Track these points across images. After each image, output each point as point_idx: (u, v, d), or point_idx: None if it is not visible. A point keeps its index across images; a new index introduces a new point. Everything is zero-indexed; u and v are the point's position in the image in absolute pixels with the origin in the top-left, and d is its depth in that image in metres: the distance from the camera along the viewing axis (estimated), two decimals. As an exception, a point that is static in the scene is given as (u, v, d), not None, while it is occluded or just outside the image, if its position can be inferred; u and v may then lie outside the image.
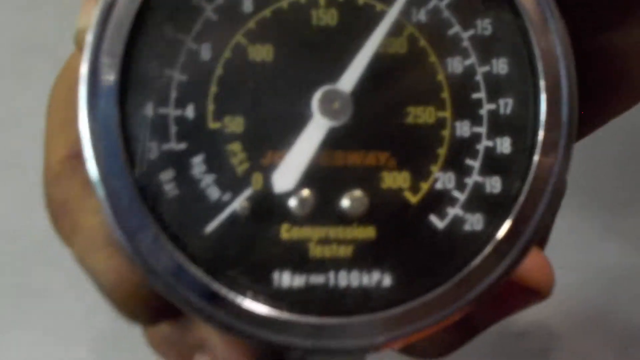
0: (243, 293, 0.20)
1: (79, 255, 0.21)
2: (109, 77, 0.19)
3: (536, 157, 0.21)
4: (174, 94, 0.20)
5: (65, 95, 0.22)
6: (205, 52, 0.20)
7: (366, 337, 0.20)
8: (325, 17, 0.21)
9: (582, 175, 0.42)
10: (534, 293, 0.22)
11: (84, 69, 0.19)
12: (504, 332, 0.38)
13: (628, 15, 0.23)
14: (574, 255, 0.40)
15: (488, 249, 0.21)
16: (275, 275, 0.20)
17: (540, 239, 0.21)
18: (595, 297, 0.40)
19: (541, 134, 0.21)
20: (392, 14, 0.21)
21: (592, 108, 0.24)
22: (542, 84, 0.21)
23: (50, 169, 0.22)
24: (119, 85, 0.20)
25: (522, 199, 0.21)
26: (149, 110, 0.20)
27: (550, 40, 0.21)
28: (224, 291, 0.20)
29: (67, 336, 0.40)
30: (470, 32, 0.21)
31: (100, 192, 0.19)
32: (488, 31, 0.21)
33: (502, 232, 0.21)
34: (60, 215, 0.22)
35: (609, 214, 0.43)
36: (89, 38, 0.19)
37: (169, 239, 0.20)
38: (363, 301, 0.20)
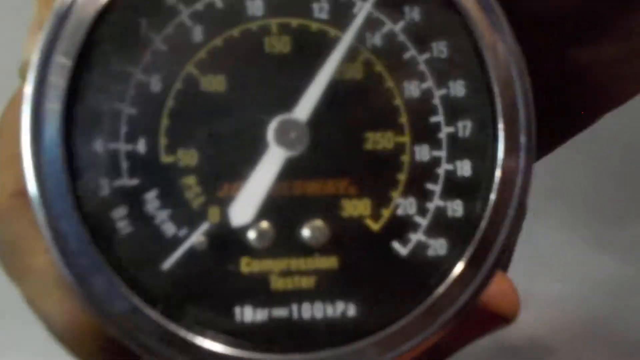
0: (204, 333, 0.19)
1: (28, 297, 0.21)
2: (54, 111, 0.19)
3: (497, 180, 0.20)
4: (124, 128, 0.19)
5: (12, 129, 0.21)
6: (156, 84, 0.20)
7: None
8: (279, 44, 0.20)
9: (577, 188, 0.43)
10: (499, 318, 0.21)
11: (26, 109, 0.19)
12: (500, 346, 0.38)
13: (597, 32, 0.23)
14: (569, 268, 0.41)
15: (453, 275, 0.20)
16: (237, 311, 0.20)
17: (504, 262, 0.21)
18: (591, 310, 0.41)
19: (500, 156, 0.20)
20: (346, 40, 0.20)
21: (553, 126, 0.24)
22: (498, 106, 0.20)
23: None
24: (64, 120, 0.19)
25: (484, 222, 0.20)
26: (98, 145, 0.19)
27: (505, 62, 0.21)
28: (183, 332, 0.19)
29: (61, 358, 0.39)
30: (426, 55, 0.21)
31: (47, 234, 0.19)
32: (444, 54, 0.21)
33: (466, 257, 0.20)
34: (8, 255, 0.21)
35: (604, 226, 0.43)
36: (30, 77, 0.19)
37: (123, 280, 0.19)
38: (328, 334, 0.20)
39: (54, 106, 0.19)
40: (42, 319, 0.20)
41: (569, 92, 0.24)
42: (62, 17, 0.19)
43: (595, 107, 0.25)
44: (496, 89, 0.20)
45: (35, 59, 0.19)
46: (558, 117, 0.24)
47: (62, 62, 0.19)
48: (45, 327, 0.20)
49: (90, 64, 0.19)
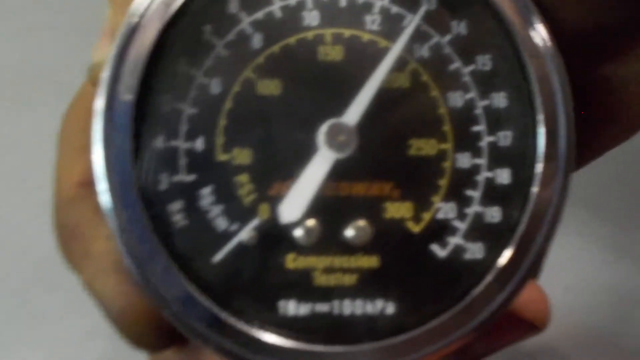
0: (250, 322, 0.20)
1: (87, 280, 0.22)
2: (125, 112, 0.20)
3: (535, 188, 0.21)
4: (184, 127, 0.21)
5: (80, 122, 0.22)
6: (216, 86, 0.21)
7: None
8: (332, 53, 0.21)
9: (591, 195, 0.43)
10: (530, 326, 0.22)
11: (99, 104, 0.20)
12: (514, 354, 0.39)
13: (626, 47, 0.23)
14: (583, 276, 0.41)
15: (489, 278, 0.21)
16: (281, 304, 0.21)
17: (536, 270, 0.22)
18: (605, 318, 0.41)
19: (539, 166, 0.21)
20: (395, 50, 0.21)
21: (592, 138, 0.25)
22: (540, 117, 0.21)
23: (62, 194, 0.22)
24: (134, 120, 0.20)
25: (521, 228, 0.21)
26: (160, 142, 0.21)
27: (548, 74, 0.21)
28: (231, 320, 0.20)
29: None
30: (471, 67, 0.22)
31: (113, 222, 0.20)
32: (488, 66, 0.22)
33: (502, 261, 0.21)
34: (71, 240, 0.22)
35: (618, 233, 0.43)
36: (105, 74, 0.20)
37: (178, 268, 0.20)
38: (367, 329, 0.21)
39: (124, 108, 0.20)
40: (99, 301, 0.22)
41: (604, 106, 0.25)
42: (135, 26, 0.20)
43: (630, 122, 0.25)
44: (538, 100, 0.21)
45: (107, 62, 0.20)
46: (594, 129, 0.25)
47: (133, 66, 0.20)
48: (102, 310, 0.22)
49: (158, 67, 0.21)
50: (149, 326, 0.21)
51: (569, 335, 0.40)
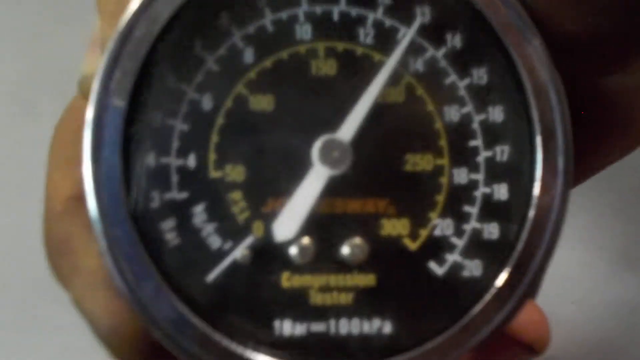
0: (244, 343, 0.20)
1: (76, 296, 0.21)
2: (114, 127, 0.20)
3: (533, 204, 0.21)
4: (175, 144, 0.20)
5: (70, 135, 0.22)
6: (207, 102, 0.21)
7: None
8: (325, 67, 0.21)
9: (598, 208, 0.42)
10: (529, 349, 0.22)
11: (89, 117, 0.20)
12: None
13: (629, 56, 0.23)
14: (589, 289, 0.40)
15: (488, 296, 0.21)
16: (277, 324, 0.20)
17: (534, 289, 0.21)
18: (608, 331, 0.40)
19: (538, 181, 0.21)
20: (390, 64, 0.21)
21: (597, 150, 0.24)
22: (537, 131, 0.21)
23: (52, 207, 0.22)
24: (124, 135, 0.20)
25: (520, 245, 0.21)
26: (151, 159, 0.20)
27: (544, 87, 0.21)
28: (225, 341, 0.20)
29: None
30: (467, 81, 0.21)
31: (102, 240, 0.20)
32: (484, 80, 0.21)
33: (501, 279, 0.21)
34: (60, 255, 0.22)
35: (625, 247, 0.43)
36: (95, 88, 0.20)
37: (170, 288, 0.20)
38: (364, 349, 0.20)
39: (114, 122, 0.20)
40: (87, 319, 0.21)
41: (611, 118, 0.24)
42: (124, 39, 0.20)
43: (631, 135, 0.25)
44: (535, 114, 0.21)
45: (97, 74, 0.20)
46: (599, 141, 0.24)
47: (123, 79, 0.20)
48: (90, 327, 0.21)
49: (148, 81, 0.20)
50: (138, 346, 0.21)
51: (577, 348, 0.39)
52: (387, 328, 0.21)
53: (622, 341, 0.41)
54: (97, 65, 0.20)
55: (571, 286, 0.39)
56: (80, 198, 0.20)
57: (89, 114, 0.20)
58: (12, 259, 0.42)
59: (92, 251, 0.21)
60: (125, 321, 0.21)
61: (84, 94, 0.21)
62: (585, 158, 0.22)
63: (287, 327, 0.20)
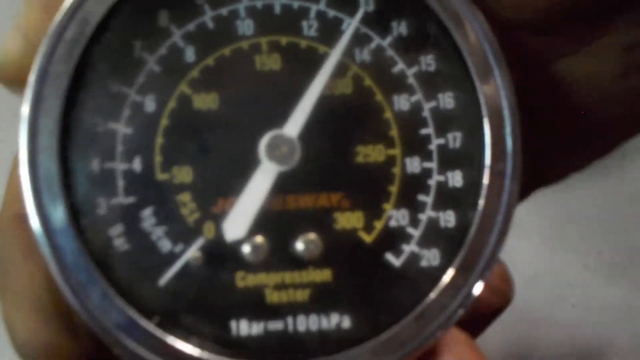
0: (200, 345, 0.20)
1: (3, 312, 0.21)
2: (49, 132, 0.19)
3: (485, 186, 0.21)
4: (120, 148, 0.20)
5: None
6: (150, 104, 0.20)
7: None
8: (269, 62, 0.21)
9: (597, 215, 0.43)
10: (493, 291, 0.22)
11: (23, 118, 0.19)
12: None
13: (583, 44, 0.23)
14: (589, 292, 0.40)
15: (443, 282, 0.20)
16: (233, 324, 0.20)
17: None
18: (605, 335, 0.41)
19: (487, 163, 0.21)
20: (335, 55, 0.21)
21: (563, 153, 0.24)
22: (485, 113, 0.21)
23: None
24: (60, 140, 0.19)
25: (473, 229, 0.21)
26: (95, 165, 0.20)
27: (490, 69, 0.21)
28: (178, 344, 0.19)
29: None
30: (414, 69, 0.21)
31: (45, 248, 0.19)
32: (432, 67, 0.21)
33: (456, 265, 0.21)
34: None
35: (621, 253, 0.43)
36: (27, 93, 0.19)
37: (118, 293, 0.19)
38: (322, 344, 0.20)
39: (49, 124, 0.19)
40: (8, 332, 0.21)
41: (558, 108, 0.24)
42: (56, 41, 0.19)
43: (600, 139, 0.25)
44: (481, 98, 0.21)
45: (32, 76, 0.19)
46: (564, 139, 0.24)
47: (56, 84, 0.19)
48: (12, 344, 0.21)
49: (85, 84, 0.20)
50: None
51: (577, 348, 0.39)
52: (346, 322, 0.20)
53: (620, 341, 0.41)
54: (16, 53, 0.20)
55: (571, 290, 0.40)
56: (22, 216, 0.19)
57: (23, 114, 0.19)
58: None
59: (23, 272, 0.20)
60: (44, 341, 0.20)
61: (4, 81, 0.21)
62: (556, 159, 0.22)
63: (244, 327, 0.20)
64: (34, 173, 0.19)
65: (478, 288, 0.20)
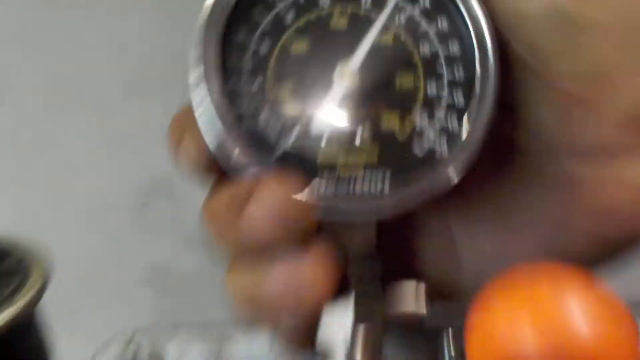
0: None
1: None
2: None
3: (477, 76, 0.32)
4: (245, 77, 0.32)
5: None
6: (264, 49, 0.32)
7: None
8: (339, 23, 0.32)
9: None
10: None
11: (195, 62, 0.31)
12: None
13: None
14: None
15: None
16: (315, 181, 0.31)
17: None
18: None
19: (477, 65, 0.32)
20: (381, 20, 0.32)
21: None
22: (475, 50, 0.32)
23: None
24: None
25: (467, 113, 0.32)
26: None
27: (479, 21, 0.32)
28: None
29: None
30: (434, 28, 0.33)
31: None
32: (445, 28, 0.33)
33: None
34: None
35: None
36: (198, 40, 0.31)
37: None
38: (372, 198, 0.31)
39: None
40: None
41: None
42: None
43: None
44: (474, 40, 0.32)
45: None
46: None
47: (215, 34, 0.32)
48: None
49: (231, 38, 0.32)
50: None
51: None
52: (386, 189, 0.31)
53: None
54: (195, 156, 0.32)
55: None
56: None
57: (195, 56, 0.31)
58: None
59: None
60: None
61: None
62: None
63: (322, 187, 0.31)
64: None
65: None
